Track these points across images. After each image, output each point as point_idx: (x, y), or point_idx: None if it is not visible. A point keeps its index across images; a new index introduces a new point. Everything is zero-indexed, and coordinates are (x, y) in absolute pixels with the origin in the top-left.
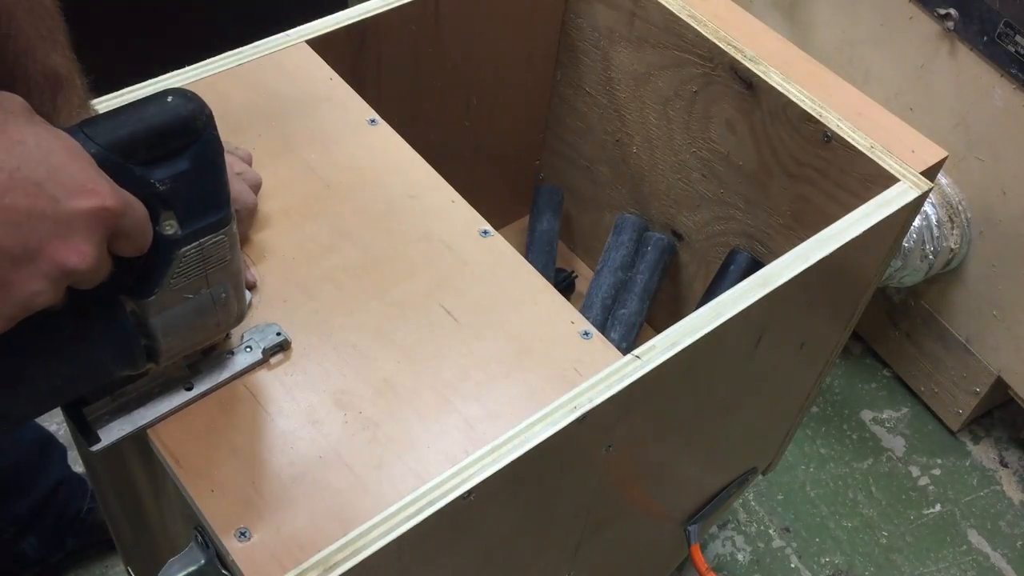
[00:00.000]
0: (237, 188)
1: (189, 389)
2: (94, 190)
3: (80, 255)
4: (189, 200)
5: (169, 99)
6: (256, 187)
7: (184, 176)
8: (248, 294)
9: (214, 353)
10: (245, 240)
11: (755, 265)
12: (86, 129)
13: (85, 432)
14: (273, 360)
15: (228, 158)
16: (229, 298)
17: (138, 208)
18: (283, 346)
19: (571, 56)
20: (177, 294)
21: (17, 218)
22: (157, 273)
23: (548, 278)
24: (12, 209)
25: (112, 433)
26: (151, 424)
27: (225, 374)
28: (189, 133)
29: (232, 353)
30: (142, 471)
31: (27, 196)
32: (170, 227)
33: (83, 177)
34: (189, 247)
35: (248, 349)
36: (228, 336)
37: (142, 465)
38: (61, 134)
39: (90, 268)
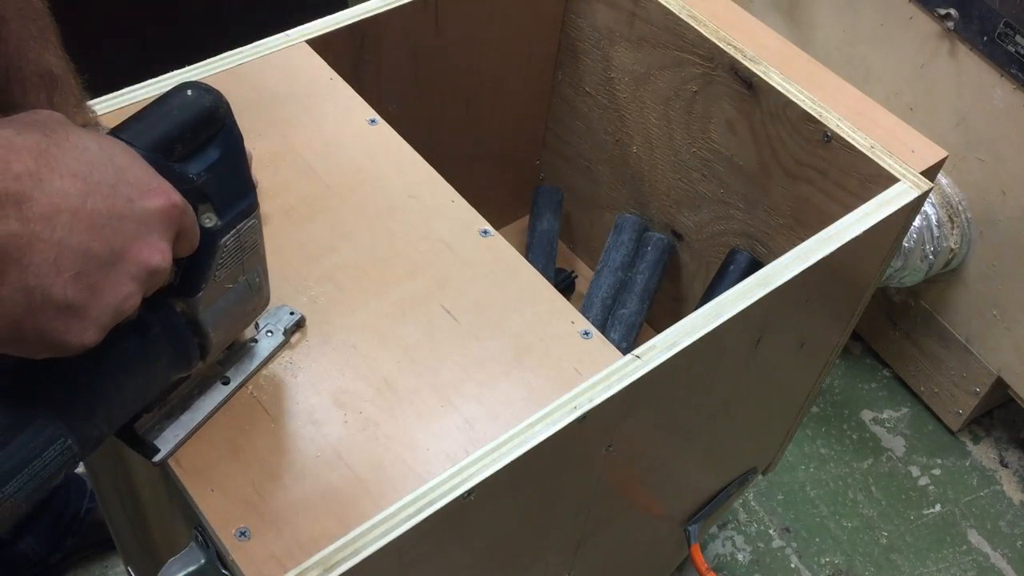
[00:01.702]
0: None
1: (226, 383)
2: (160, 188)
3: (161, 253)
4: (223, 189)
5: (189, 92)
6: None
7: (216, 166)
8: None
9: (235, 345)
10: None
11: (755, 265)
12: (121, 134)
13: (140, 446)
14: (292, 340)
15: None
16: (261, 281)
17: (189, 206)
18: (300, 323)
19: (571, 56)
20: (220, 285)
21: (100, 221)
22: (203, 268)
23: (548, 278)
24: (95, 212)
25: (168, 442)
26: (202, 423)
27: (256, 361)
28: (215, 123)
29: (255, 341)
30: (142, 471)
31: (104, 199)
32: (209, 220)
33: (147, 177)
34: (228, 236)
35: (269, 333)
36: None
37: (142, 465)
38: (112, 138)
39: (168, 267)
